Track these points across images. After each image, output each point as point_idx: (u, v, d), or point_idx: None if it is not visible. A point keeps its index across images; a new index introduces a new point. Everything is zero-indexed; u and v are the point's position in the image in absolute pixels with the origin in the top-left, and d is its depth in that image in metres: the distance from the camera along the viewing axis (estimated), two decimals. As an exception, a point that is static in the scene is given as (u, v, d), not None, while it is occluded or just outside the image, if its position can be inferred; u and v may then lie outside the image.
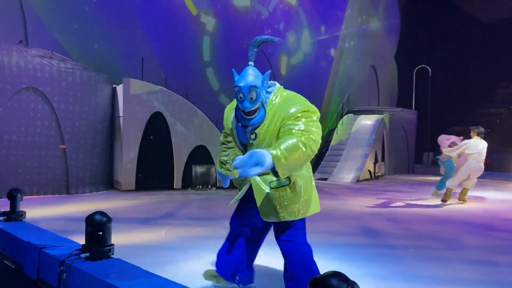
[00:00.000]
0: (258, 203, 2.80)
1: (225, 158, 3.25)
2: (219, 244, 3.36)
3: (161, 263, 4.08)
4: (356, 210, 7.82)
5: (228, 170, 3.21)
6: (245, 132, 2.77)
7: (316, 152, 2.52)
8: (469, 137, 8.55)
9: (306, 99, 2.74)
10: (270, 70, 2.73)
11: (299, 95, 2.78)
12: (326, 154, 15.45)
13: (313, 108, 2.68)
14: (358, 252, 4.70)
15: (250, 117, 2.67)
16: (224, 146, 3.28)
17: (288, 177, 2.69)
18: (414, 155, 18.61)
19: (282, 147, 2.41)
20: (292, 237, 2.85)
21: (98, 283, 2.56)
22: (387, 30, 20.99)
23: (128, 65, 11.78)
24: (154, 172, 10.30)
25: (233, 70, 2.79)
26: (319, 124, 2.65)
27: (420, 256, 4.61)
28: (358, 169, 14.11)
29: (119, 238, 4.80)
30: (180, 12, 13.54)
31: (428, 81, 19.59)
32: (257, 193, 2.81)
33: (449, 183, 8.67)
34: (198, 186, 10.65)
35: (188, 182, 10.68)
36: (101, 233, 2.96)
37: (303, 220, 2.90)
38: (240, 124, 2.78)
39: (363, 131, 15.47)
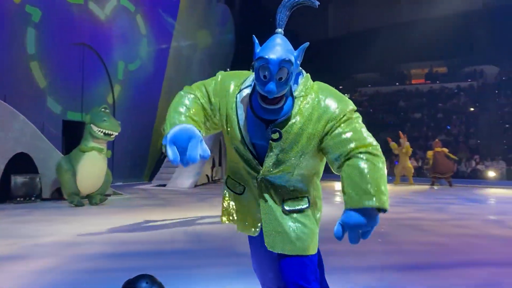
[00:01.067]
0: (265, 226, 2.04)
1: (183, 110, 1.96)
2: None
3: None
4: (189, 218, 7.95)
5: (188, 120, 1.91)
6: (261, 127, 1.93)
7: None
8: None
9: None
10: (308, 43, 1.96)
11: (330, 87, 2.07)
12: (165, 160, 15.38)
13: (350, 101, 2.00)
14: (192, 250, 4.78)
15: (274, 106, 1.86)
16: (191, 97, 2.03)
17: (307, 198, 2.05)
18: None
19: (379, 188, 1.78)
20: (306, 280, 2.01)
21: None
22: (223, 43, 21.95)
23: None
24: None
25: (253, 37, 1.94)
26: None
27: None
28: (196, 174, 14.36)
29: None
30: (-2, -1, 11.87)
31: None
32: (265, 213, 2.05)
33: None
34: (18, 199, 9.45)
35: (6, 194, 9.39)
36: None
37: (317, 257, 2.16)
38: (254, 116, 1.92)
39: (201, 137, 15.80)
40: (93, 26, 14.69)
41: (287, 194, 2.02)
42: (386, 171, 1.89)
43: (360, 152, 1.83)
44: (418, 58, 30.43)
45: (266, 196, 2.02)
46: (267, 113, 1.89)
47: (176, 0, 18.43)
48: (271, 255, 2.11)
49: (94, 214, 8.06)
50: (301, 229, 2.02)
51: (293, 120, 1.90)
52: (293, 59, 1.84)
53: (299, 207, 2.03)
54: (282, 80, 1.81)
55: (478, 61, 28.58)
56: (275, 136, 1.89)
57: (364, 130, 1.92)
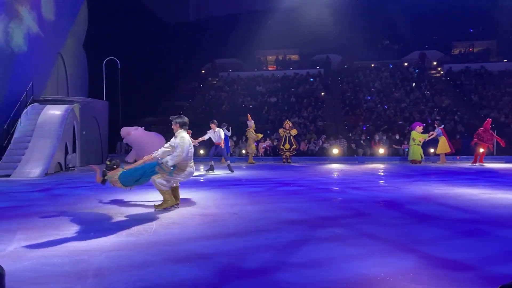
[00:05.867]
0: None
1: None
2: None
3: None
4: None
5: None
6: None
7: None
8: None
9: None
10: None
11: None
12: (9, 148, 13.71)
13: None
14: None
15: None
16: None
17: None
18: (107, 145, 18.78)
19: None
20: None
21: None
22: (74, 19, 20.15)
23: None
24: None
25: None
26: None
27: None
28: (46, 162, 13.13)
29: None
30: None
31: (117, 73, 20.03)
32: None
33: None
34: None
35: None
36: None
37: None
38: None
39: (50, 121, 14.45)
40: None
41: None
42: None
43: None
44: (273, 45, 32.25)
45: None
46: None
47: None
48: None
49: None
50: None
51: None
52: None
53: None
54: None
55: (325, 50, 31.56)
56: None
57: None
